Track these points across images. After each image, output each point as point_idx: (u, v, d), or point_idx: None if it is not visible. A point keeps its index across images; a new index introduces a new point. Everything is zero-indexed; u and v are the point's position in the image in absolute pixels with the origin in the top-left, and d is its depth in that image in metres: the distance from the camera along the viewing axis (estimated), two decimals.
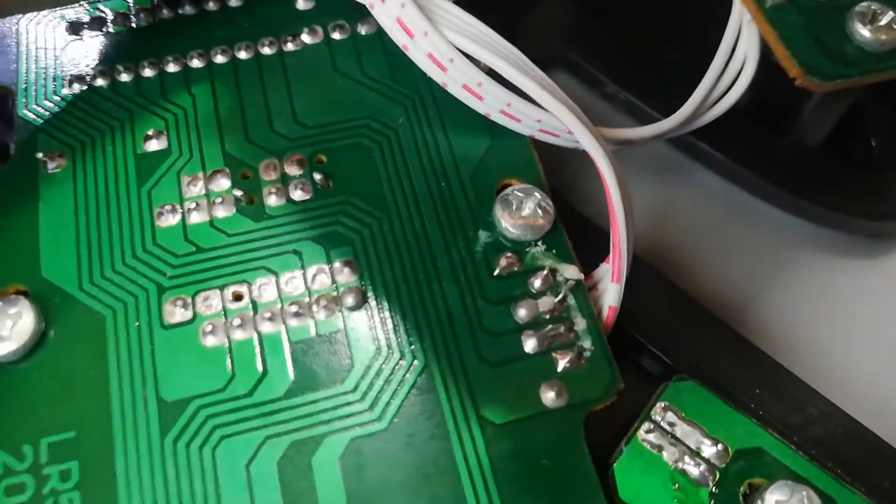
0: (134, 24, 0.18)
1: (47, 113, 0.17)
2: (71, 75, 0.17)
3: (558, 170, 0.17)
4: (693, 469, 0.14)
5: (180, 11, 0.18)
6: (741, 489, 0.14)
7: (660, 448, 0.14)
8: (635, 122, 0.19)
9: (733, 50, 0.18)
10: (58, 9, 0.18)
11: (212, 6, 0.18)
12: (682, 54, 0.18)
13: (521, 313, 0.15)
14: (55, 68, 0.17)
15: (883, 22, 0.16)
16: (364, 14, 0.17)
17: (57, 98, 0.17)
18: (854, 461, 0.15)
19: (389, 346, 0.14)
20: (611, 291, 0.15)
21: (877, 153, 0.19)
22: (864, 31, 0.16)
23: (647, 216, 0.19)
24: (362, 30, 0.18)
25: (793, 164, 0.19)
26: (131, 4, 0.18)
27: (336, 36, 0.18)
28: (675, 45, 0.19)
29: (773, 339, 0.18)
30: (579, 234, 0.16)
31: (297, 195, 0.16)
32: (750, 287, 0.18)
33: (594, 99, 0.20)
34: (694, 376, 0.15)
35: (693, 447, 0.14)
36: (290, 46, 0.17)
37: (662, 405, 0.15)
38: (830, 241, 0.19)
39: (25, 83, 0.17)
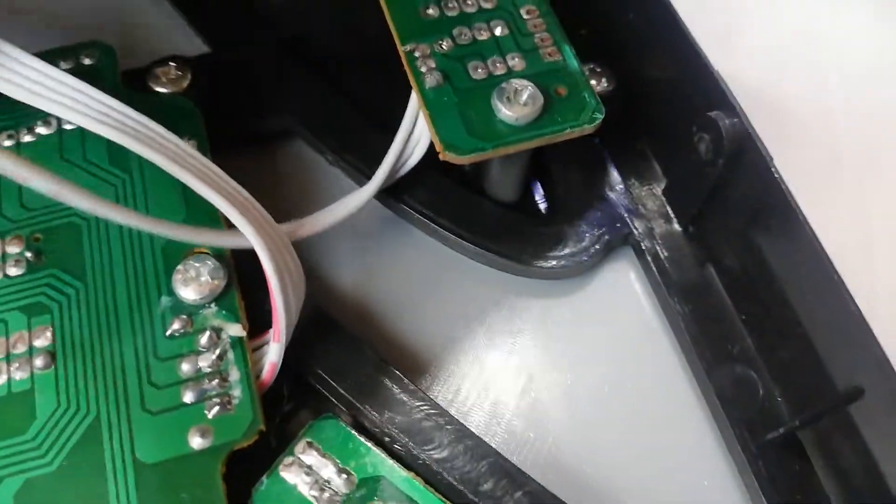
0: None
1: None
2: None
3: None
4: (321, 497, 0.17)
5: None
6: None
7: (296, 479, 0.17)
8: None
9: (415, 125, 0.20)
10: None
11: None
12: (387, 128, 0.21)
13: (185, 368, 0.17)
14: None
15: (521, 100, 0.19)
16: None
17: None
18: (481, 482, 0.18)
19: (68, 401, 0.17)
20: (272, 350, 0.18)
21: (558, 206, 0.22)
22: (504, 109, 0.19)
23: (352, 272, 0.21)
24: None
25: (491, 224, 0.21)
26: None
27: (67, 127, 0.20)
28: (383, 118, 0.21)
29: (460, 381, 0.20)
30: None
31: (12, 271, 0.18)
32: (446, 336, 0.21)
33: (326, 165, 0.23)
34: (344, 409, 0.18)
35: (325, 478, 0.17)
36: (26, 138, 0.20)
37: (305, 441, 0.17)
38: (522, 284, 0.21)
39: None
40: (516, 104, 0.19)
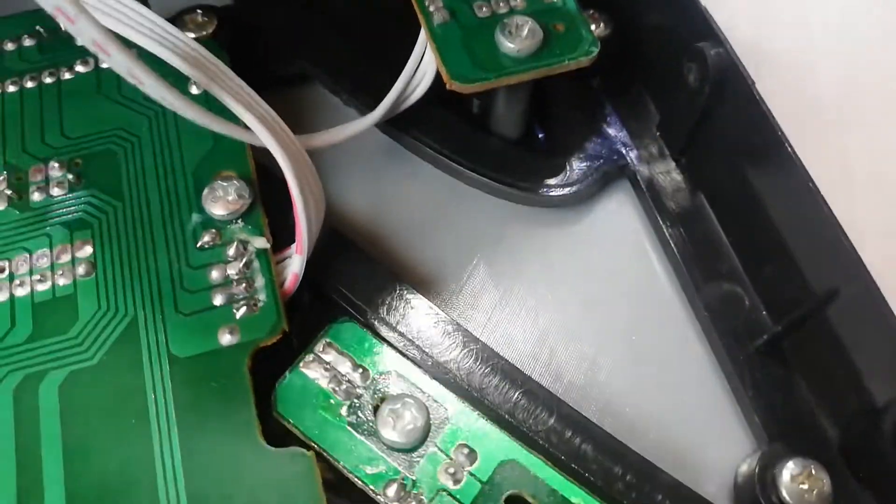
0: None
1: None
2: None
3: None
4: (339, 389, 0.18)
5: None
6: (374, 403, 0.18)
7: (316, 374, 0.18)
8: None
9: (421, 61, 0.22)
10: None
11: (10, 47, 0.23)
12: (395, 67, 0.22)
13: (214, 275, 0.19)
14: None
15: (522, 34, 0.21)
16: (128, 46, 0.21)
17: None
18: (492, 387, 0.19)
19: (108, 304, 0.19)
20: (294, 261, 0.19)
21: (558, 142, 0.23)
22: (506, 42, 0.20)
23: (365, 199, 0.23)
24: None
25: (493, 155, 0.23)
26: None
27: (104, 65, 0.22)
28: (392, 59, 0.23)
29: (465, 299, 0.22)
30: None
31: (55, 192, 0.20)
32: (449, 255, 0.22)
33: (339, 104, 0.24)
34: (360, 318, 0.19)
35: (343, 373, 0.18)
36: (66, 75, 0.22)
37: (325, 341, 0.19)
38: (523, 214, 0.23)
39: None
40: (518, 38, 0.20)
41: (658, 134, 0.23)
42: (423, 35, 0.21)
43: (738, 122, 0.20)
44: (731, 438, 0.20)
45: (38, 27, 0.23)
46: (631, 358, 0.21)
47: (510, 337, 0.21)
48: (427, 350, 0.20)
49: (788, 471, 0.18)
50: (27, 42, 0.23)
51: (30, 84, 0.22)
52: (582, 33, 0.21)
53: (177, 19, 0.23)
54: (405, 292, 0.20)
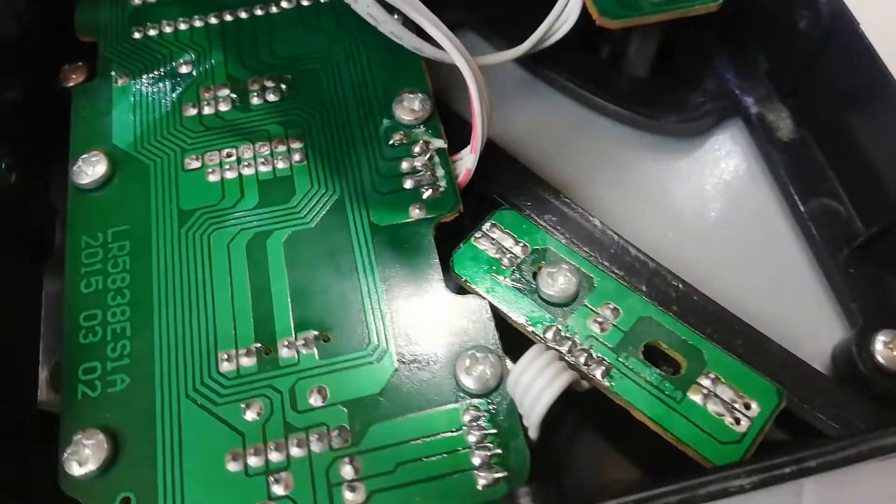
0: None
1: (118, 51, 0.26)
2: (133, 27, 0.27)
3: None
4: (504, 258, 0.22)
5: None
6: (533, 269, 0.22)
7: (485, 245, 0.22)
8: None
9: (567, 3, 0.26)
10: None
11: None
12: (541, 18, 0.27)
13: (404, 165, 0.23)
14: (123, 24, 0.27)
15: None
16: None
17: (125, 43, 0.26)
18: (627, 265, 0.23)
19: (319, 182, 0.23)
20: (468, 158, 0.24)
21: (681, 82, 0.27)
22: None
23: (512, 123, 0.27)
24: None
25: (625, 90, 0.27)
26: None
27: (304, 3, 0.27)
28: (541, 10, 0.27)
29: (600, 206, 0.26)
30: (460, 130, 0.24)
31: (271, 97, 0.25)
32: (582, 174, 0.26)
33: (492, 50, 0.29)
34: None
35: (506, 246, 0.23)
36: (273, 9, 0.27)
37: (490, 223, 0.23)
38: (646, 142, 0.27)
39: (105, 32, 0.27)
40: None
41: (768, 79, 0.27)
42: None
43: (844, 62, 0.24)
44: (829, 325, 0.23)
45: None
46: (744, 262, 0.25)
47: (635, 238, 0.25)
48: (570, 237, 0.23)
49: (881, 339, 0.21)
50: None
51: (243, 15, 0.27)
52: None
53: None
54: (551, 192, 0.24)
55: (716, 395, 0.19)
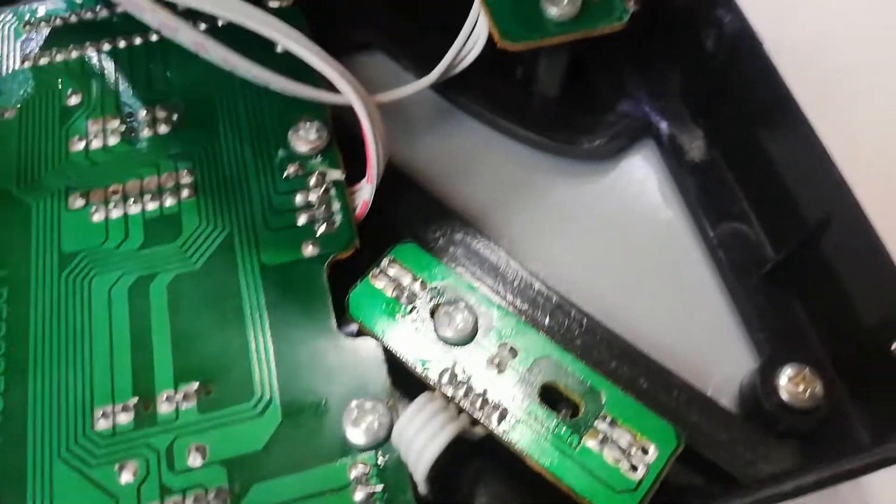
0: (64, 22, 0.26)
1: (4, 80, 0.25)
2: (23, 55, 0.25)
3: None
4: (402, 296, 0.21)
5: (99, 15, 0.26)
6: (431, 307, 0.21)
7: (382, 284, 0.22)
8: None
9: (474, 28, 0.25)
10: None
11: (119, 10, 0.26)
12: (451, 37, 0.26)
13: (298, 199, 0.22)
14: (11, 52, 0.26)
15: (564, 1, 0.24)
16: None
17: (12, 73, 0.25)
18: (531, 299, 0.22)
19: (208, 219, 0.22)
20: (365, 189, 0.23)
21: (593, 102, 0.26)
22: (550, 8, 0.24)
23: (420, 149, 0.26)
24: None
25: (535, 113, 0.26)
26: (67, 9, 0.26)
27: (201, 28, 0.26)
28: (449, 30, 0.26)
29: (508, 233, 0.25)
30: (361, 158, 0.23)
31: (162, 129, 0.24)
32: (493, 200, 0.26)
33: (401, 70, 0.28)
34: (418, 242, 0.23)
35: (404, 284, 0.22)
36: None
37: (388, 258, 0.22)
38: (559, 166, 0.26)
39: None
40: (559, 4, 0.24)
41: (680, 99, 0.26)
42: (476, 3, 0.25)
43: (750, 81, 0.23)
44: (737, 354, 0.23)
45: None
46: (654, 290, 0.24)
47: (544, 267, 0.24)
48: (473, 270, 0.23)
49: (786, 374, 0.21)
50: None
51: (138, 41, 0.26)
52: (615, 2, 0.24)
53: None
54: (456, 223, 0.24)
55: (612, 441, 0.19)
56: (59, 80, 0.25)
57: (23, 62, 0.25)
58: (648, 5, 0.26)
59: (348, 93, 0.22)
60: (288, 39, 0.23)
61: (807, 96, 0.21)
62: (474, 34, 0.25)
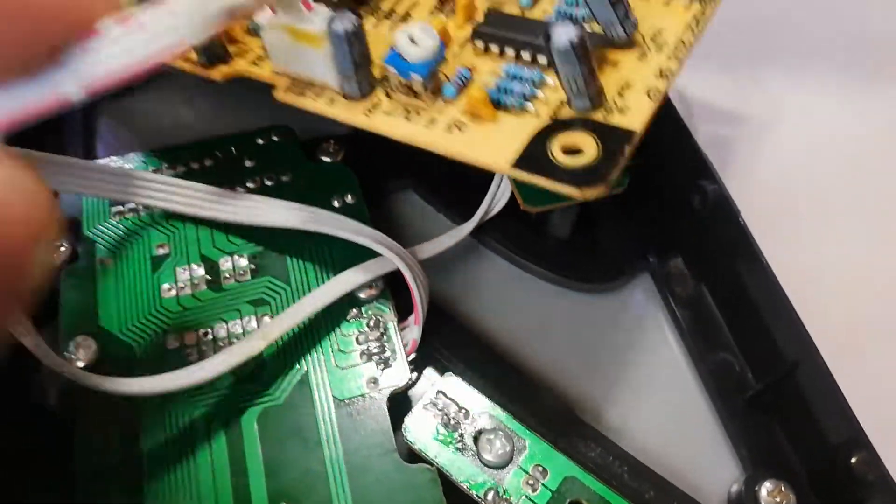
0: None
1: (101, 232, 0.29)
2: (113, 209, 0.30)
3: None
4: (449, 424, 0.26)
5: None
6: (474, 434, 0.26)
7: (431, 413, 0.26)
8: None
9: (499, 187, 0.30)
10: None
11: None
12: (479, 186, 0.31)
13: (360, 339, 0.27)
14: (104, 203, 0.30)
15: None
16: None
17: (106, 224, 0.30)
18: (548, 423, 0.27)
19: (287, 362, 0.26)
20: (413, 329, 0.27)
21: (598, 245, 0.31)
22: None
23: (457, 286, 0.31)
24: None
25: (549, 253, 0.31)
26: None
27: (268, 183, 0.30)
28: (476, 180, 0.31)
29: (531, 364, 0.30)
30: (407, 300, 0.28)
31: (241, 277, 0.28)
32: (522, 330, 0.30)
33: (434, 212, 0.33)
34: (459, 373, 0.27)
35: (450, 414, 0.26)
36: (240, 188, 0.30)
37: (437, 390, 0.27)
38: (570, 297, 0.31)
39: (87, 213, 0.30)
40: None
41: (672, 242, 0.31)
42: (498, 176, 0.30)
43: (728, 235, 0.28)
44: (724, 467, 0.27)
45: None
46: (648, 408, 0.29)
47: (560, 386, 0.29)
48: (503, 398, 0.27)
49: (766, 488, 0.25)
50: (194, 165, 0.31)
51: None
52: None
53: (317, 146, 0.32)
54: (485, 353, 0.28)
55: None
56: (147, 231, 0.29)
57: (113, 215, 0.30)
58: (644, 169, 0.31)
59: (397, 261, 0.27)
60: (351, 234, 0.27)
61: (777, 256, 0.26)
62: (500, 190, 0.30)
